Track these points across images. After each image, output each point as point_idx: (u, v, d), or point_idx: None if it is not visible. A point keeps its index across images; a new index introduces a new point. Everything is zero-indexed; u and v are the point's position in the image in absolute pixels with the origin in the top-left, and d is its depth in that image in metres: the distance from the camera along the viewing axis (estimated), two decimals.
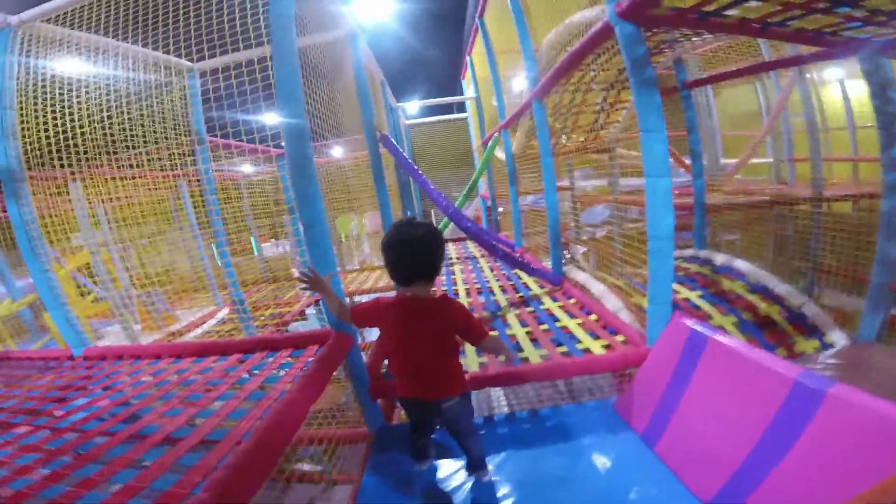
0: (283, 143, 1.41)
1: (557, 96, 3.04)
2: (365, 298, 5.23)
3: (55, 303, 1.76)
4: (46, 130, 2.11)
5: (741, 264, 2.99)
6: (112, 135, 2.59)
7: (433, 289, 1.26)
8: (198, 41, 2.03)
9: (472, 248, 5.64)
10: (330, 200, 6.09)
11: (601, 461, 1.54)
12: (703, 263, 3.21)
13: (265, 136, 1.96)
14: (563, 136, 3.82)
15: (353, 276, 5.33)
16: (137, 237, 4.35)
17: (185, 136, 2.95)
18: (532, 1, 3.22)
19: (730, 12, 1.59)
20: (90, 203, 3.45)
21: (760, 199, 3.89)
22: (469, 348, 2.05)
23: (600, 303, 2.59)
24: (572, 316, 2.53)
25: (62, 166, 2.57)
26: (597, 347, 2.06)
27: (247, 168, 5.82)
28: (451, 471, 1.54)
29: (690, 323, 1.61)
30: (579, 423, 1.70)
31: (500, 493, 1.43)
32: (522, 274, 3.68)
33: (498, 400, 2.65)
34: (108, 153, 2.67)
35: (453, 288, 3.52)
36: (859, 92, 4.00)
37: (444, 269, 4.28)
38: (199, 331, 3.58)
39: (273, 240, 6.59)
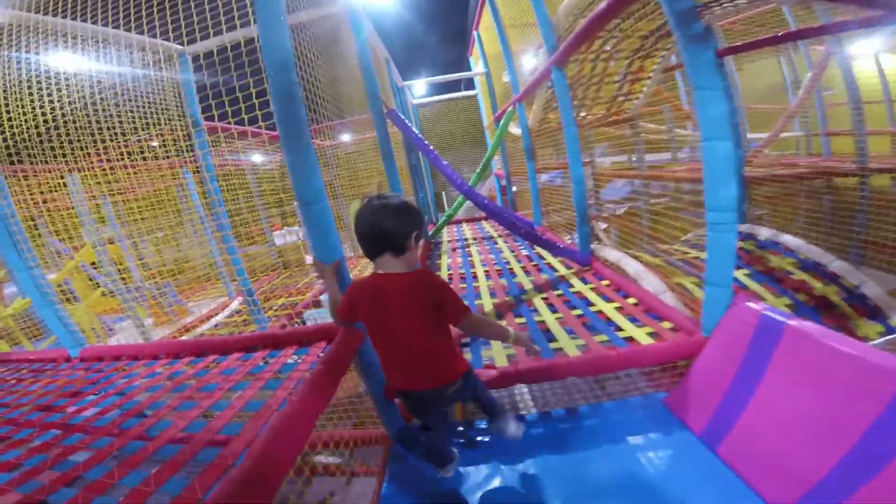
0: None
1: (577, 66, 2.82)
2: None
3: (43, 301, 1.62)
4: (28, 123, 1.96)
5: (789, 239, 2.71)
6: (101, 123, 2.44)
7: (414, 265, 1.14)
8: (188, 23, 1.83)
9: (489, 227, 5.40)
10: (339, 185, 5.91)
11: (656, 464, 1.36)
12: (745, 238, 2.92)
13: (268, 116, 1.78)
14: (583, 110, 3.56)
15: (367, 260, 5.16)
16: (144, 229, 4.27)
17: (180, 121, 2.77)
18: None
19: None
20: (93, 196, 3.34)
21: (807, 171, 3.55)
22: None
23: (637, 284, 2.35)
24: (607, 299, 2.30)
25: (55, 158, 2.44)
26: (642, 335, 1.86)
27: (255, 158, 5.67)
28: (481, 476, 1.38)
29: (760, 307, 1.39)
30: (626, 422, 1.54)
31: (542, 502, 1.27)
32: (545, 253, 3.44)
33: (522, 395, 2.44)
34: (98, 142, 2.53)
35: (472, 270, 3.31)
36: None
37: (459, 252, 4.07)
38: (211, 323, 3.48)
39: (285, 228, 6.47)
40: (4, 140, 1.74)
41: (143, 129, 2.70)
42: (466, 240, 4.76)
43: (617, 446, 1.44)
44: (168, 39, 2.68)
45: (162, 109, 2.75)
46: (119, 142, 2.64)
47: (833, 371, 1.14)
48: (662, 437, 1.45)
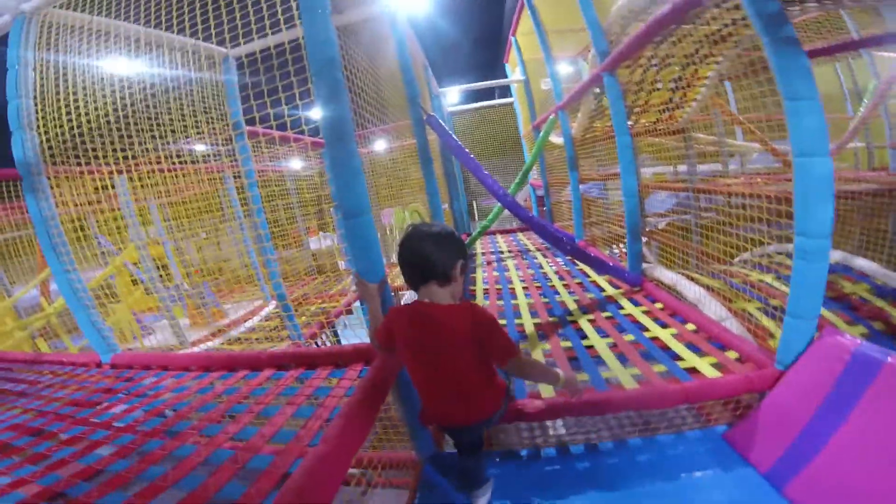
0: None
1: (627, 72, 2.67)
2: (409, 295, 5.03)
3: (79, 305, 1.61)
4: (70, 123, 2.00)
5: (863, 263, 2.48)
6: (143, 127, 2.48)
7: (459, 296, 1.10)
8: (231, 26, 1.81)
9: (525, 240, 5.21)
10: (376, 193, 5.91)
11: None
12: None
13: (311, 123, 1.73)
14: (631, 118, 3.39)
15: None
16: (188, 231, 4.38)
17: (221, 125, 2.79)
18: None
19: None
20: (136, 199, 3.44)
21: (881, 185, 3.19)
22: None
23: (696, 309, 2.13)
24: (663, 324, 2.09)
25: (104, 159, 2.49)
26: (705, 366, 1.67)
27: (295, 164, 5.76)
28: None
29: (853, 342, 1.27)
30: (682, 457, 1.42)
31: None
32: (588, 270, 3.24)
33: (554, 425, 2.23)
34: (147, 145, 2.57)
35: (509, 286, 3.15)
36: None
37: (495, 265, 3.92)
38: (245, 326, 3.48)
39: (321, 233, 6.53)
40: (48, 141, 1.77)
41: (184, 133, 2.73)
42: (502, 252, 4.60)
43: (673, 484, 1.30)
44: (210, 42, 2.71)
45: (204, 112, 2.77)
46: (165, 145, 2.68)
47: None
48: (724, 475, 1.31)
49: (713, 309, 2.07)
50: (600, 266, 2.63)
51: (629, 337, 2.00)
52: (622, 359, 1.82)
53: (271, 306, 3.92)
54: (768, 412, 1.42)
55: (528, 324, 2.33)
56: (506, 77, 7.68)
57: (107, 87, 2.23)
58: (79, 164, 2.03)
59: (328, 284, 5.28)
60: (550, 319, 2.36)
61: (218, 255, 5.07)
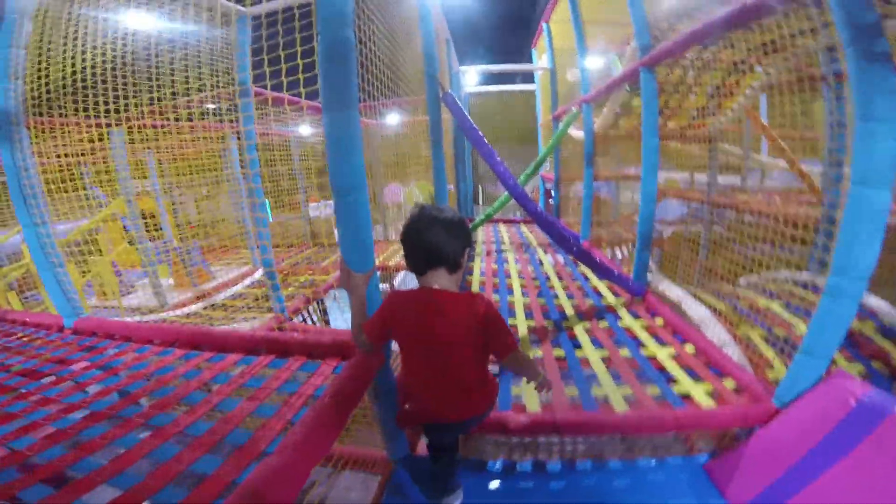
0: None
1: (666, 71, 2.52)
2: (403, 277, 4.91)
3: (45, 262, 1.50)
4: (64, 72, 1.88)
5: (874, 301, 2.38)
6: (150, 78, 2.34)
7: (460, 284, 1.05)
8: None
9: (528, 233, 5.08)
10: (380, 168, 5.74)
11: None
12: (819, 292, 2.54)
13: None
14: (660, 120, 3.22)
15: (398, 247, 4.98)
16: (185, 186, 4.24)
17: (229, 86, 2.63)
18: None
19: None
20: (133, 152, 3.29)
21: None
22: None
23: (699, 330, 2.03)
24: (661, 342, 2.00)
25: (100, 110, 2.36)
26: (700, 393, 1.59)
27: (303, 129, 5.57)
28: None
29: (863, 388, 1.21)
30: (662, 486, 1.38)
31: None
32: (589, 272, 3.13)
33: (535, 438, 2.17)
34: (148, 97, 2.43)
35: (507, 280, 3.05)
36: None
37: (495, 256, 3.81)
38: (230, 292, 3.39)
39: (323, 200, 6.38)
40: (33, 91, 1.65)
41: (189, 89, 2.58)
42: (503, 243, 4.48)
43: None
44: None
45: (212, 72, 2.61)
46: (167, 100, 2.54)
47: None
48: None
49: (716, 332, 1.97)
50: (604, 272, 2.52)
51: (625, 352, 1.91)
52: (615, 375, 1.73)
53: (258, 274, 3.83)
54: (756, 448, 1.37)
55: (522, 325, 2.24)
56: (531, 62, 7.37)
57: (108, 38, 2.11)
58: (76, 114, 1.92)
59: (323, 254, 5.18)
60: (545, 323, 2.26)
61: (215, 212, 4.94)
